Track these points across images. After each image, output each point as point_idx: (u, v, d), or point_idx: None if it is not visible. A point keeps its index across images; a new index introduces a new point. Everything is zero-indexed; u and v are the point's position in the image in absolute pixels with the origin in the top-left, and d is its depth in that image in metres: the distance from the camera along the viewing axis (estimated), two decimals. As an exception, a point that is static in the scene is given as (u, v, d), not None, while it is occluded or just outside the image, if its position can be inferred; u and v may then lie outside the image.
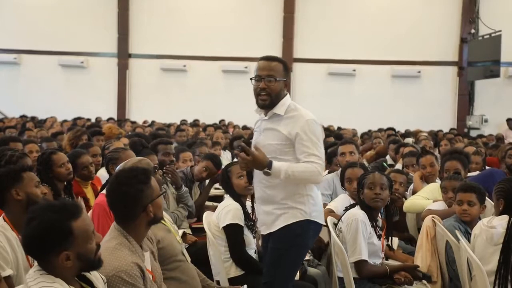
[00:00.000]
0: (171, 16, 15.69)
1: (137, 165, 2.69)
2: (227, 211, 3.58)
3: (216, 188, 6.08)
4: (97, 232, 2.05)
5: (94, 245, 1.97)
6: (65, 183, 4.04)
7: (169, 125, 12.10)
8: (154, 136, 7.02)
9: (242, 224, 3.56)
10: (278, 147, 2.97)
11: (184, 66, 15.74)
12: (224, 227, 3.54)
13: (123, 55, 15.87)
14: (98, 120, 13.37)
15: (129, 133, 8.66)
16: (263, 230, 3.14)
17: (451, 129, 13.79)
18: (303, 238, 3.02)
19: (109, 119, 13.55)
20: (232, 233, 3.53)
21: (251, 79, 3.09)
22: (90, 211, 3.45)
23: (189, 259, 3.11)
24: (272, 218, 3.03)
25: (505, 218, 3.24)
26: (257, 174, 3.05)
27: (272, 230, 3.04)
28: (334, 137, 8.41)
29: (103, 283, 2.13)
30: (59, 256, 1.90)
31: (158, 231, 2.90)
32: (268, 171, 2.87)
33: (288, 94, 3.12)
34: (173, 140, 8.08)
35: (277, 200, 3.01)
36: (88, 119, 13.28)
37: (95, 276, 2.10)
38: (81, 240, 1.92)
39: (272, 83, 3.00)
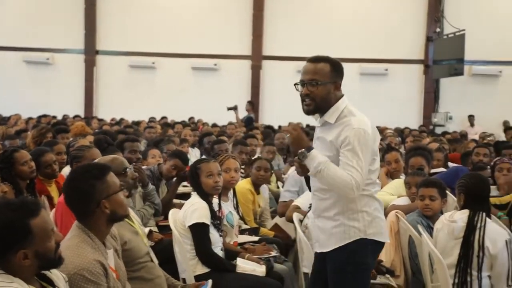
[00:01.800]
0: (140, 12, 15.51)
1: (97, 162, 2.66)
2: (193, 210, 3.56)
3: (184, 186, 6.07)
4: (60, 230, 2.03)
5: (54, 244, 1.94)
6: (28, 181, 3.97)
7: (137, 123, 11.98)
8: (121, 134, 6.95)
9: (209, 223, 3.55)
10: (328, 158, 2.71)
11: (153, 63, 15.60)
12: (190, 226, 3.52)
13: (90, 52, 15.62)
14: (64, 118, 13.14)
15: (96, 130, 8.55)
16: (316, 247, 2.93)
17: (420, 126, 14.04)
18: (360, 255, 2.75)
19: (75, 116, 13.34)
20: (198, 232, 3.51)
21: (295, 84, 2.85)
22: (54, 210, 3.40)
23: (156, 261, 3.10)
24: (325, 237, 2.82)
25: (465, 212, 3.33)
26: (313, 185, 2.87)
27: (324, 250, 2.83)
28: (303, 134, 8.44)
29: (65, 282, 2.11)
30: (16, 255, 1.87)
31: (126, 233, 2.89)
32: (305, 152, 2.69)
33: (343, 96, 2.82)
34: (142, 138, 8.04)
35: (330, 215, 2.78)
36: (54, 117, 13.05)
37: (56, 275, 2.08)
38: (40, 239, 1.90)
39: (315, 88, 2.74)
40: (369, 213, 2.75)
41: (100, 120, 12.81)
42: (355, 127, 2.68)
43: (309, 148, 2.72)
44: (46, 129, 6.10)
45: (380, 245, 2.84)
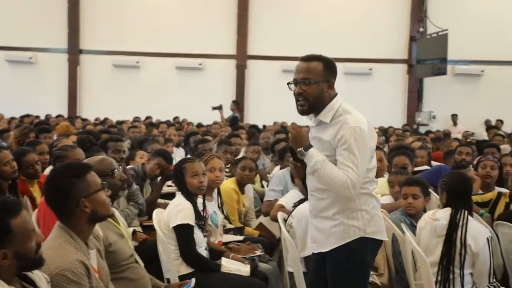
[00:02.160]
0: (124, 11, 15.43)
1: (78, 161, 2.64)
2: (177, 210, 3.54)
3: (168, 186, 6.04)
4: (42, 231, 2.01)
5: (34, 244, 1.92)
6: (10, 181, 3.92)
7: (121, 122, 11.91)
8: (105, 133, 6.91)
9: (193, 224, 3.53)
10: (325, 157, 2.70)
11: (137, 62, 15.52)
12: (174, 227, 3.50)
13: (74, 51, 15.50)
14: (47, 117, 13.02)
15: (79, 130, 8.48)
16: (314, 248, 2.90)
17: (404, 125, 14.14)
18: (360, 254, 2.74)
19: (58, 116, 13.23)
20: (183, 233, 3.49)
21: (288, 84, 2.82)
22: (36, 210, 3.37)
23: (142, 264, 3.09)
24: (323, 236, 2.79)
25: (448, 210, 3.36)
26: (310, 185, 2.85)
27: (323, 250, 2.80)
28: (286, 133, 8.47)
29: (46, 283, 2.09)
30: (-4, 255, 1.85)
31: (111, 234, 2.87)
32: (303, 151, 2.70)
33: (337, 95, 2.80)
34: (126, 138, 8.00)
35: (329, 215, 2.76)
36: (37, 117, 12.92)
37: (37, 275, 2.05)
38: (20, 239, 1.87)
39: (308, 87, 2.72)
40: (368, 212, 2.74)
41: (84, 120, 12.71)
42: (352, 125, 2.66)
43: (307, 147, 2.72)
44: (29, 129, 6.05)
45: (379, 243, 2.83)
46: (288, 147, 2.93)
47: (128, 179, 4.45)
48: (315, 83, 2.73)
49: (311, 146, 2.73)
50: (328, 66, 2.78)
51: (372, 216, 2.75)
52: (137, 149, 5.80)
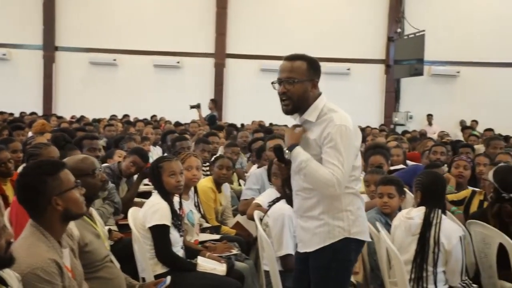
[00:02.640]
0: (101, 8, 15.28)
1: (50, 159, 2.60)
2: (154, 211, 3.50)
3: (145, 184, 6.00)
4: (15, 230, 1.98)
5: (4, 242, 1.88)
6: (-18, 180, 3.85)
7: (98, 120, 11.78)
8: (80, 131, 6.83)
9: (169, 224, 3.49)
10: (311, 156, 2.70)
11: (114, 60, 15.38)
12: (150, 228, 3.46)
13: (49, 48, 15.29)
14: (22, 115, 12.81)
15: (54, 128, 8.37)
16: (300, 247, 2.90)
17: (381, 125, 14.27)
18: (344, 253, 2.75)
19: (32, 113, 13.03)
20: (159, 234, 3.45)
21: (272, 83, 2.82)
22: (9, 209, 3.31)
23: (118, 265, 3.06)
24: (309, 236, 2.79)
25: (422, 209, 3.39)
26: (295, 185, 2.84)
27: (308, 250, 2.80)
28: (264, 132, 8.49)
29: (18, 281, 2.05)
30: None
31: (87, 234, 2.85)
32: (287, 151, 2.72)
33: (321, 95, 2.82)
34: (102, 135, 7.92)
35: (315, 214, 2.75)
36: (11, 114, 12.71)
37: (8, 274, 2.02)
38: (-12, 237, 1.84)
39: (292, 86, 2.72)
40: (353, 212, 2.74)
41: (59, 117, 12.54)
42: (337, 123, 2.65)
43: (293, 146, 2.72)
44: (2, 127, 5.96)
45: (362, 243, 2.84)
46: (274, 148, 2.92)
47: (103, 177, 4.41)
48: (299, 82, 2.73)
49: (296, 145, 2.73)
50: (312, 66, 2.78)
51: (357, 217, 2.76)
52: (113, 148, 5.74)
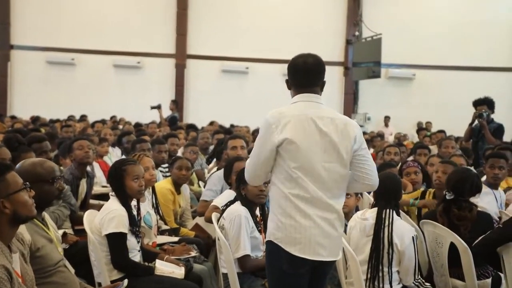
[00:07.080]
0: (59, 5, 14.93)
1: None
2: (110, 218, 3.38)
3: (103, 186, 5.91)
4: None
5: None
6: None
7: (55, 121, 11.52)
8: (35, 132, 6.66)
9: (126, 231, 3.41)
10: None
11: (73, 59, 15.06)
12: (106, 235, 3.37)
13: (4, 46, 14.84)
14: (-26, 115, 12.41)
15: (8, 129, 8.14)
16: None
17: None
18: (273, 258, 2.65)
19: (-15, 113, 12.64)
20: (115, 241, 3.36)
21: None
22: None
23: (72, 270, 3.00)
24: None
25: (375, 210, 3.46)
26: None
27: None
28: (224, 133, 8.48)
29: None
30: None
31: (40, 239, 2.78)
32: None
33: (298, 95, 2.86)
34: (59, 136, 7.75)
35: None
36: (-37, 114, 12.29)
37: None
38: None
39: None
40: (281, 221, 2.58)
41: (13, 118, 12.20)
42: (265, 116, 2.67)
43: None
44: (-48, 127, 5.74)
45: (288, 253, 2.57)
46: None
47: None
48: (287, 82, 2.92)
49: None
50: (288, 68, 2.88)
51: (281, 226, 2.60)
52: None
